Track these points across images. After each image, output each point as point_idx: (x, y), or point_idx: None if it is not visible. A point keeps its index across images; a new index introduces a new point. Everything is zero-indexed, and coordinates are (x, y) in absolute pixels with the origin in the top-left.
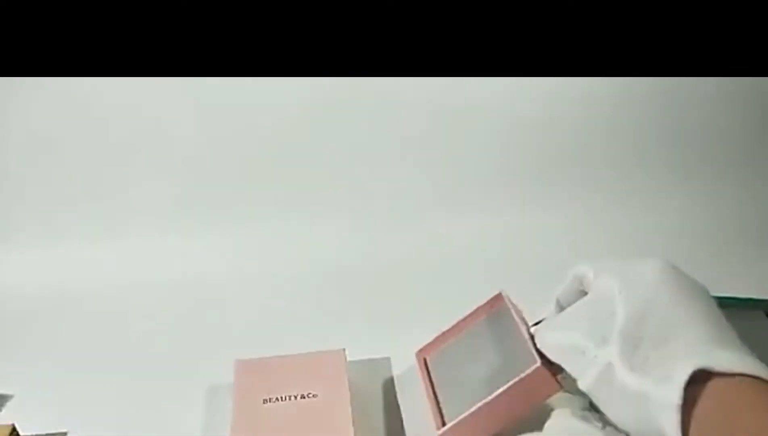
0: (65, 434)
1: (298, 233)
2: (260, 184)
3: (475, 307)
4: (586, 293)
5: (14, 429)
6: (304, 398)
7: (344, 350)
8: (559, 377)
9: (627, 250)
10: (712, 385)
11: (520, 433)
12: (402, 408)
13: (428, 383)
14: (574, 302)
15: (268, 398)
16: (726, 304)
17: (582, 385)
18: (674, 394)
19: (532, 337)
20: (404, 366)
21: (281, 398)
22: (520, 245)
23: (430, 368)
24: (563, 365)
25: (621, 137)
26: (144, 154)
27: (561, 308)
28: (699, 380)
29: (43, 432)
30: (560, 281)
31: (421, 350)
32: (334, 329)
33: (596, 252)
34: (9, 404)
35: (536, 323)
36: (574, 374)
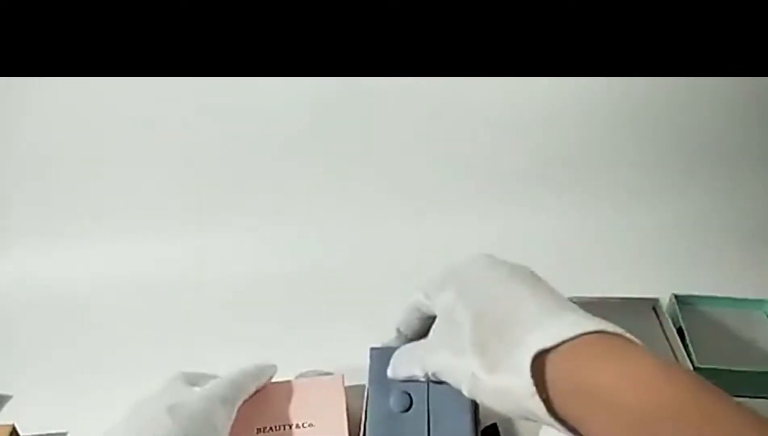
0: (65, 434)
1: (298, 233)
2: (260, 184)
3: None
4: (429, 319)
5: (14, 429)
6: (299, 427)
7: (342, 376)
8: None
9: (627, 250)
10: (558, 357)
11: None
12: None
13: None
14: (417, 329)
15: (262, 426)
16: (726, 304)
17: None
18: (526, 384)
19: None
20: None
21: (276, 427)
22: (519, 246)
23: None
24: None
25: (620, 137)
26: (144, 154)
27: (405, 336)
28: (543, 356)
29: (43, 432)
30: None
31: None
32: (334, 332)
33: (596, 252)
34: (9, 404)
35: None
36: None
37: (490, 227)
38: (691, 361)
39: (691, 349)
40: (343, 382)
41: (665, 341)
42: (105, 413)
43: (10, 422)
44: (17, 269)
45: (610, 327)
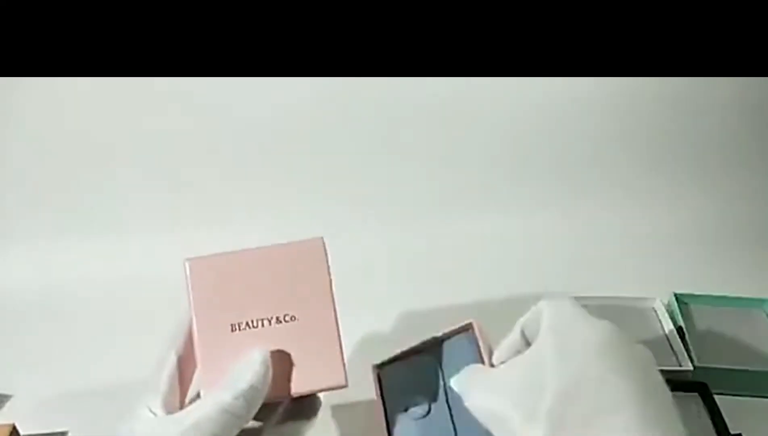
0: (65, 433)
1: (298, 234)
2: (259, 184)
3: (441, 331)
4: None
5: (14, 429)
6: (280, 321)
7: (322, 238)
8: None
9: (627, 250)
10: None
11: None
12: None
13: (380, 398)
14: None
15: (237, 323)
16: (726, 304)
17: None
18: None
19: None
20: None
21: (252, 323)
22: (520, 246)
23: (383, 384)
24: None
25: (620, 138)
26: (144, 154)
27: (526, 340)
28: None
29: (43, 432)
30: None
31: (378, 365)
32: None
33: (596, 252)
34: (9, 404)
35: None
36: None
37: (490, 226)
38: (691, 360)
39: (690, 348)
40: (325, 249)
41: (665, 341)
42: (105, 413)
43: (10, 422)
44: (17, 269)
45: None
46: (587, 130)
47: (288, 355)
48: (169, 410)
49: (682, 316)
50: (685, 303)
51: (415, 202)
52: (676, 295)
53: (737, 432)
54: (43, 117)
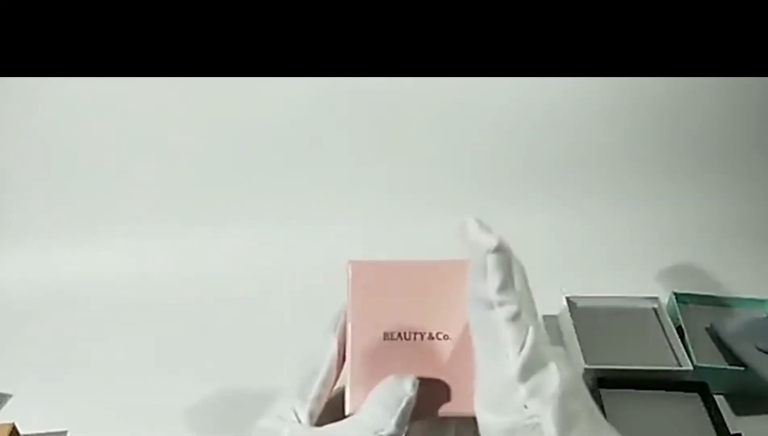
0: (65, 433)
1: (297, 233)
2: (260, 183)
3: None
4: None
5: (14, 428)
6: (432, 338)
7: None
8: None
9: (627, 250)
10: None
11: None
12: None
13: None
14: None
15: (389, 332)
16: (726, 304)
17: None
18: None
19: None
20: None
21: (405, 335)
22: (519, 246)
23: None
24: None
25: (620, 137)
26: (144, 154)
27: None
28: None
29: (43, 431)
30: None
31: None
32: None
33: (596, 252)
34: (9, 404)
35: None
36: None
37: (490, 226)
38: (691, 359)
39: (690, 347)
40: None
41: (665, 340)
42: (105, 413)
43: (11, 421)
44: (17, 269)
45: None
46: (587, 130)
47: (437, 373)
48: (313, 416)
49: (682, 315)
50: (685, 303)
51: (416, 201)
52: (676, 295)
53: (737, 432)
54: (45, 117)
